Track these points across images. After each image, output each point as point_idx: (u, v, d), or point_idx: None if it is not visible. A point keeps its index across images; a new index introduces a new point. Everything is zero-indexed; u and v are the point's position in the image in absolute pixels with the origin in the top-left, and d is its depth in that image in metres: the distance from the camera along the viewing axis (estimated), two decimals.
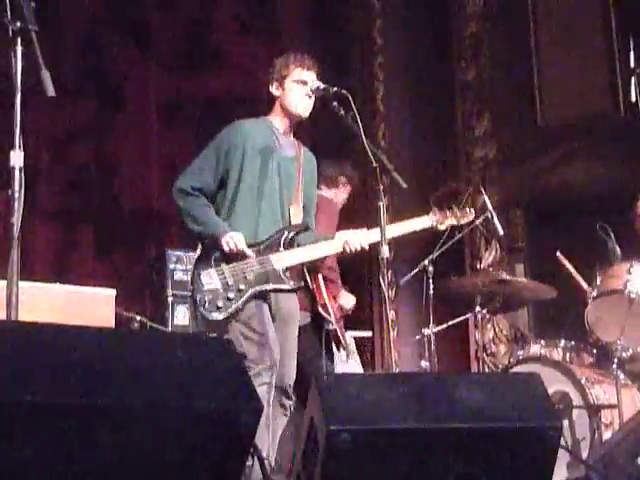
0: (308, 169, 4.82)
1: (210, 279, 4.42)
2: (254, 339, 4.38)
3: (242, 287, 4.41)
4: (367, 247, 4.66)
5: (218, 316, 4.38)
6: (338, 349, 5.50)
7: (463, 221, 4.93)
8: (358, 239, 4.64)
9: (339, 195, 6.18)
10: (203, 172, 4.60)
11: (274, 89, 4.71)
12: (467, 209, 4.95)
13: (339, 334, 5.38)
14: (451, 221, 4.87)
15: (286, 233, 4.56)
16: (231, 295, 4.39)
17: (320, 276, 4.95)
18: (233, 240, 4.42)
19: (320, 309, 5.27)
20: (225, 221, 4.54)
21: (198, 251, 4.57)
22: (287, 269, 4.54)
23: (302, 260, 4.62)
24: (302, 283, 4.66)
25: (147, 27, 7.95)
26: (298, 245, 4.64)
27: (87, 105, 7.53)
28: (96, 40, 7.67)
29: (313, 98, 4.66)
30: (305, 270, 4.89)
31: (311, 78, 4.67)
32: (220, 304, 4.38)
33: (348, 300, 5.86)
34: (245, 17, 8.31)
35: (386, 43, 8.34)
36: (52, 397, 2.51)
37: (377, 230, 4.45)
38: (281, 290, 4.53)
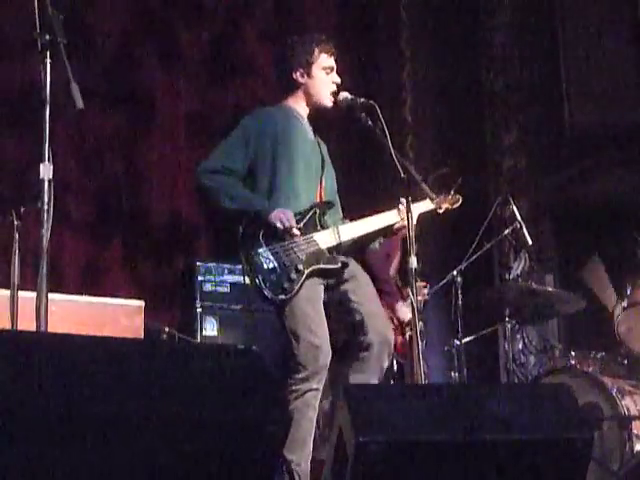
0: (326, 153, 4.71)
1: (266, 258, 4.23)
2: (306, 339, 4.21)
3: (300, 267, 4.25)
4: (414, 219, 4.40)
5: (283, 297, 4.20)
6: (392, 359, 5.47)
7: (455, 205, 4.81)
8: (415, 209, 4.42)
9: None
10: (234, 153, 4.43)
11: (298, 76, 4.53)
12: (456, 195, 4.84)
13: None
14: (447, 205, 4.76)
15: (318, 211, 4.43)
16: (293, 275, 4.23)
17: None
18: (286, 216, 4.25)
19: None
20: None
21: (240, 231, 4.31)
22: (333, 248, 4.41)
23: (344, 238, 4.46)
24: (350, 257, 4.48)
25: (175, 39, 7.97)
26: (333, 223, 4.51)
27: (116, 117, 7.55)
28: (124, 52, 7.70)
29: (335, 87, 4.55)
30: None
31: (334, 65, 4.58)
32: (286, 285, 4.21)
33: (407, 312, 5.83)
34: (273, 29, 8.33)
35: (413, 53, 8.34)
36: (82, 408, 2.51)
37: (424, 202, 4.46)
38: (332, 270, 4.37)
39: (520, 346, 7.58)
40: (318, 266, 4.31)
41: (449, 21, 8.14)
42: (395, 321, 5.79)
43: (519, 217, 5.84)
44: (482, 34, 8.24)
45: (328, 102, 4.57)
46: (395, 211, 4.57)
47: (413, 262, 4.18)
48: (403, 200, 4.39)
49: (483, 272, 6.92)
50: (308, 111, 4.62)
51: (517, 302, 5.81)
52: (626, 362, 5.70)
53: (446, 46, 8.14)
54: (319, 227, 4.40)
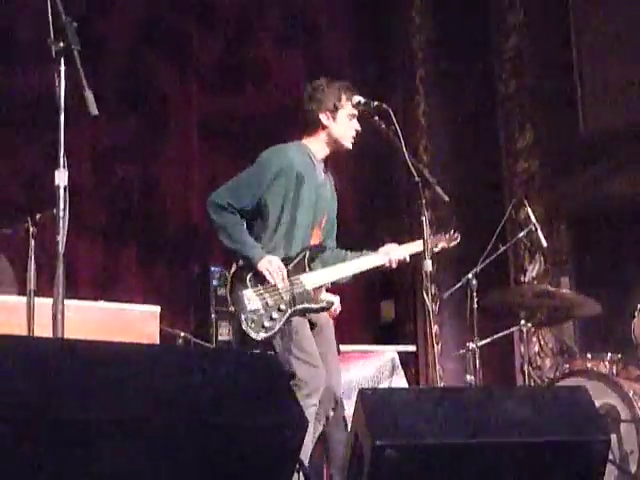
0: (332, 193, 4.91)
1: (250, 300, 4.51)
2: (303, 359, 4.45)
3: (282, 307, 4.51)
4: (408, 258, 4.76)
5: (265, 335, 4.47)
6: None
7: (452, 244, 4.95)
8: (400, 250, 4.75)
9: None
10: (243, 192, 4.64)
11: (325, 119, 4.71)
12: (454, 233, 4.96)
13: None
14: (443, 244, 4.91)
15: (308, 254, 4.65)
16: (275, 315, 4.48)
17: None
18: (272, 266, 4.52)
19: None
20: (266, 246, 4.61)
21: (233, 269, 4.64)
22: (317, 288, 4.65)
23: (330, 279, 4.73)
24: (333, 302, 4.75)
25: (188, 45, 8.00)
26: (322, 264, 4.74)
27: (129, 123, 7.58)
28: (138, 59, 7.73)
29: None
30: None
31: (357, 113, 4.73)
32: (267, 324, 4.47)
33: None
34: (285, 34, 8.34)
35: (427, 57, 8.34)
36: (100, 413, 2.52)
37: (419, 242, 4.51)
38: (315, 310, 4.63)
39: (536, 349, 7.56)
40: (302, 306, 4.57)
41: (462, 24, 8.13)
42: None
43: (534, 219, 5.84)
44: (496, 37, 8.23)
45: (348, 144, 4.77)
46: (382, 254, 4.78)
47: (428, 265, 4.20)
48: (385, 246, 4.79)
49: (498, 275, 6.90)
50: (327, 152, 4.79)
51: (533, 305, 5.79)
52: None
53: (459, 49, 8.13)
54: (307, 269, 4.63)
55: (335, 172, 4.97)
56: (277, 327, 4.48)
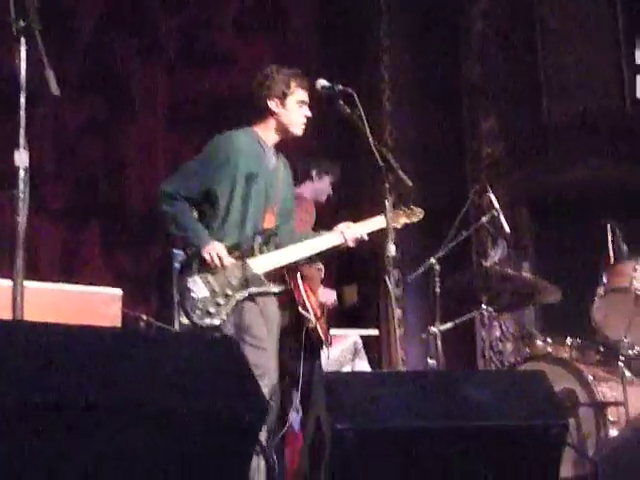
0: (286, 178, 4.89)
1: (196, 286, 4.49)
2: (252, 343, 4.43)
3: (229, 292, 4.48)
4: (366, 236, 4.75)
5: (211, 322, 4.45)
6: (321, 347, 5.43)
7: (414, 219, 4.99)
8: (356, 228, 4.74)
9: (311, 189, 6.11)
10: (190, 180, 4.63)
11: (273, 105, 4.71)
12: (415, 209, 5.00)
13: (320, 332, 5.30)
14: (404, 219, 4.94)
15: (259, 238, 4.61)
16: (220, 301, 4.46)
17: (299, 274, 4.96)
18: (215, 251, 4.48)
19: (300, 308, 5.21)
20: (217, 234, 4.58)
21: (183, 257, 4.66)
22: (267, 273, 4.60)
23: (280, 263, 4.67)
24: (284, 286, 4.71)
25: (153, 27, 7.95)
26: (276, 248, 4.70)
27: (93, 104, 7.54)
28: (102, 39, 7.68)
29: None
30: (284, 269, 4.87)
31: (307, 100, 4.75)
32: (212, 310, 4.45)
33: (328, 296, 5.77)
34: (252, 18, 8.31)
35: (392, 42, 8.34)
36: (58, 396, 2.51)
37: (376, 218, 4.57)
38: (265, 293, 4.59)
39: (497, 333, 7.61)
40: (249, 289, 4.53)
41: (428, 10, 8.14)
42: (320, 307, 5.65)
43: (496, 205, 5.85)
44: (461, 22, 8.25)
45: (298, 131, 4.77)
46: (338, 233, 4.77)
47: (391, 250, 4.20)
48: (341, 224, 4.74)
49: (461, 259, 6.93)
50: (277, 138, 4.79)
51: (494, 289, 5.82)
52: (602, 349, 5.73)
53: (425, 34, 8.15)
54: (257, 253, 4.60)
55: (296, 160, 4.98)
56: (224, 312, 4.46)
